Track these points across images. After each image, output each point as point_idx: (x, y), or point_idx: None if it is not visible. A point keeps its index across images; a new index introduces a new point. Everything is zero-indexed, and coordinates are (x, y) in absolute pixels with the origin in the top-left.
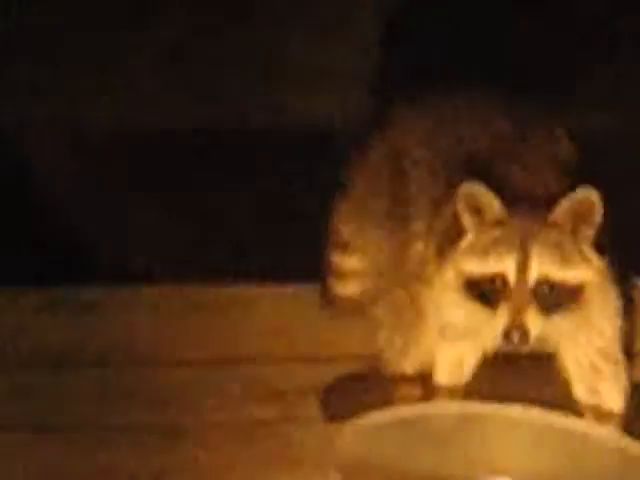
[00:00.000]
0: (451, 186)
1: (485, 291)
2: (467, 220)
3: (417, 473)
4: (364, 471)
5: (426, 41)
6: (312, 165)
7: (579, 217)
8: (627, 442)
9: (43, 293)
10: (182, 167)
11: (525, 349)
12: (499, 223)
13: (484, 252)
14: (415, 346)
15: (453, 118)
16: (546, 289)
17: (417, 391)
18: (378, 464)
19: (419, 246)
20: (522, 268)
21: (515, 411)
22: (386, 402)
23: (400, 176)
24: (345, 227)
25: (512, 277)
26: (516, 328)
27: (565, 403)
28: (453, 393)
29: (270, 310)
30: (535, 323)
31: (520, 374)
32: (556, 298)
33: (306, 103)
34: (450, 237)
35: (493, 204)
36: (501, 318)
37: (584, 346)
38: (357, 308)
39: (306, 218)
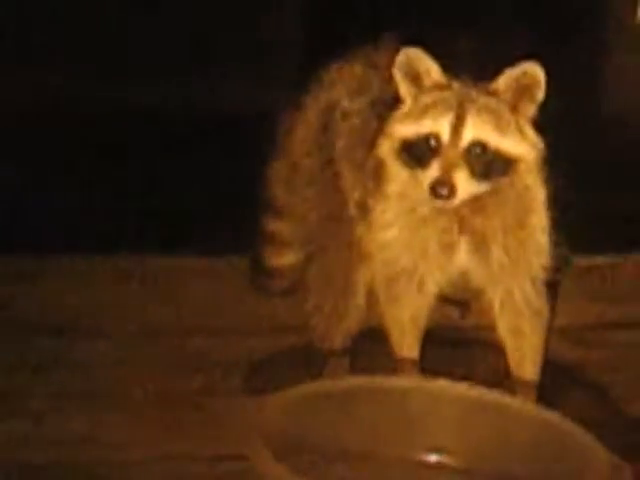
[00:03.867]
0: (382, 128)
1: (418, 154)
2: (404, 88)
3: (344, 448)
4: (289, 445)
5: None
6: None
7: (521, 91)
8: (545, 413)
9: None
10: (118, 140)
11: (450, 206)
12: (437, 87)
13: (420, 115)
14: (345, 317)
15: (381, 62)
16: (479, 151)
17: (345, 365)
18: (303, 438)
19: (354, 196)
20: (456, 129)
21: (440, 386)
22: (313, 376)
23: (331, 131)
24: (278, 191)
25: (445, 137)
26: (444, 182)
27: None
28: (412, 367)
29: (200, 282)
30: (463, 182)
31: (452, 354)
32: (488, 164)
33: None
34: (378, 172)
35: (432, 69)
36: (430, 174)
37: (516, 278)
38: (293, 280)
39: (240, 189)
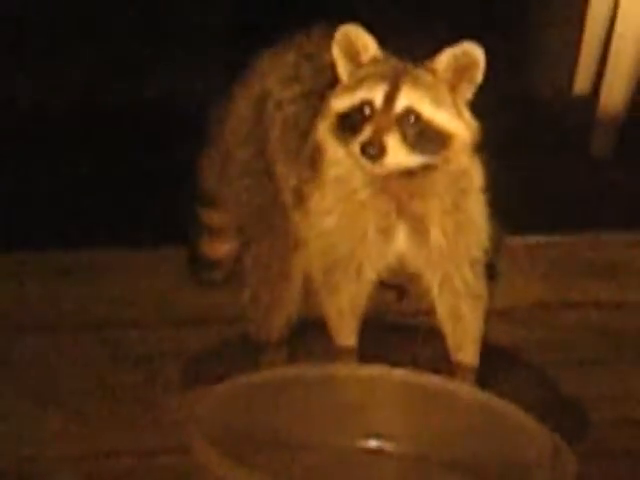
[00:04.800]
0: (318, 116)
1: (354, 123)
2: (341, 62)
3: (284, 437)
4: (229, 435)
5: None
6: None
7: (460, 71)
8: (486, 396)
9: None
10: (39, 135)
11: (380, 169)
12: (374, 63)
13: (355, 87)
14: (282, 306)
15: (315, 51)
16: (412, 120)
17: (283, 355)
18: (243, 429)
19: (290, 183)
20: (390, 96)
21: (379, 373)
22: (252, 368)
23: (264, 120)
24: (211, 180)
25: (379, 103)
26: (373, 142)
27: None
28: (351, 355)
29: (136, 275)
30: (394, 145)
31: (391, 339)
32: (420, 134)
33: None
34: (316, 160)
35: (370, 45)
36: (361, 137)
37: (454, 261)
38: (228, 270)
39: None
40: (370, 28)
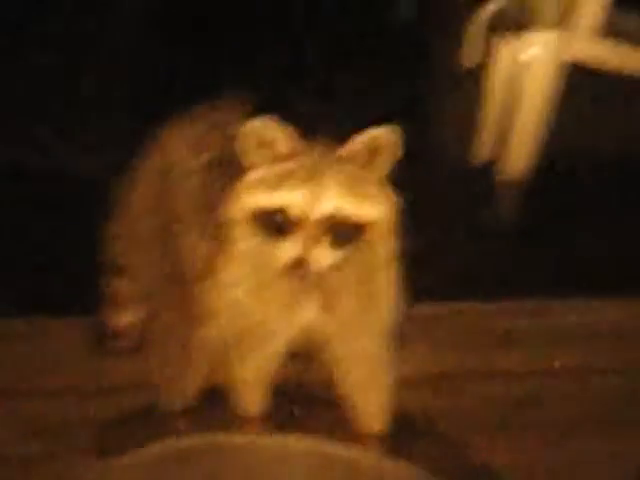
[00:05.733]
0: (226, 186)
1: (272, 223)
2: (253, 156)
3: None
4: None
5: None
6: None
7: (372, 153)
8: (395, 464)
9: None
10: None
11: (308, 282)
12: (290, 155)
13: (273, 185)
14: (187, 376)
15: (222, 120)
16: (336, 224)
17: (190, 424)
18: None
19: (195, 254)
20: (312, 202)
21: (286, 441)
22: (157, 436)
23: (169, 192)
24: (118, 248)
25: (301, 210)
26: (303, 261)
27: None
28: (256, 424)
29: (37, 343)
30: (322, 258)
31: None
32: (345, 233)
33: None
34: (224, 232)
35: (283, 136)
36: (288, 250)
37: (364, 332)
38: (135, 339)
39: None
40: (285, 115)
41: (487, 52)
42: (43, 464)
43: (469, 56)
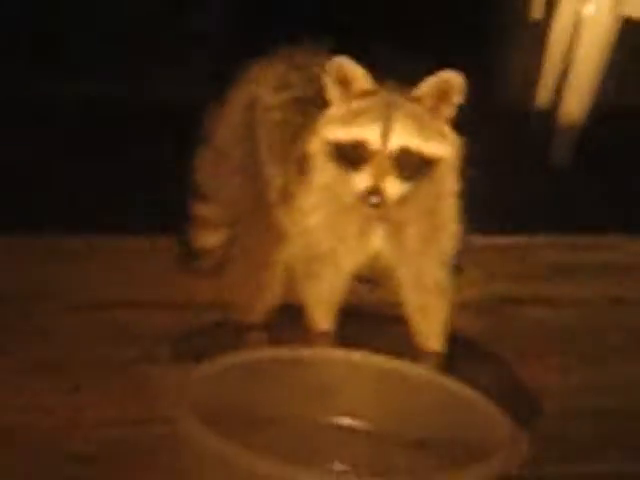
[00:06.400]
0: (306, 122)
1: (348, 156)
2: (333, 91)
3: (264, 414)
4: (214, 410)
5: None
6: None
7: (441, 96)
8: (447, 380)
9: None
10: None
11: (379, 210)
12: (365, 94)
13: (349, 120)
14: (264, 293)
15: (303, 63)
16: (405, 157)
17: (265, 337)
18: (227, 404)
19: (276, 183)
20: (384, 136)
21: (354, 356)
22: (236, 348)
23: (254, 124)
24: (204, 176)
25: (375, 144)
26: (376, 190)
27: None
28: (327, 339)
29: (135, 260)
30: (393, 188)
31: (365, 327)
32: (413, 167)
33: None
34: (303, 164)
35: (360, 76)
36: (362, 180)
37: (426, 261)
38: (218, 260)
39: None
40: (360, 59)
41: (551, 6)
42: (134, 368)
43: (535, 9)
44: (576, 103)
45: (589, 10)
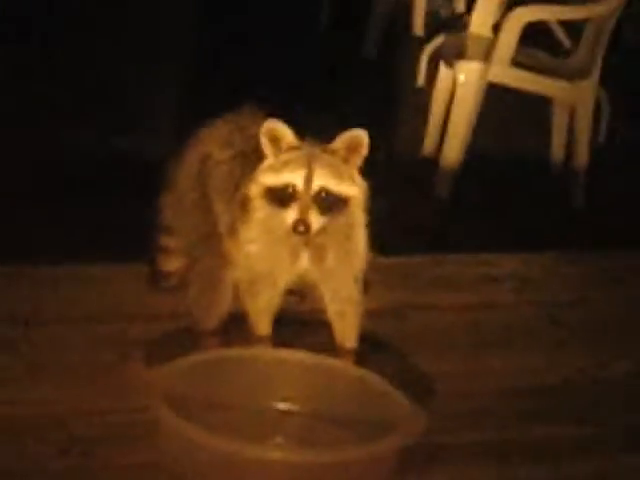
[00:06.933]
0: (246, 171)
1: (280, 196)
2: (267, 147)
3: (219, 401)
4: (180, 399)
5: None
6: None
7: (351, 149)
8: (360, 371)
9: None
10: None
11: (306, 237)
12: (292, 148)
13: (280, 169)
14: (218, 302)
15: (243, 125)
16: (324, 195)
17: (218, 341)
18: (191, 394)
19: (224, 220)
20: (307, 180)
21: (285, 353)
22: (195, 350)
23: (206, 174)
24: (168, 214)
25: (300, 186)
26: (302, 222)
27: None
28: (266, 341)
29: (111, 282)
30: (315, 220)
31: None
32: (330, 204)
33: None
34: (245, 204)
35: (287, 134)
36: (291, 215)
37: (342, 277)
38: (179, 280)
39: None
40: (288, 121)
41: (432, 77)
42: (107, 371)
43: (420, 79)
44: (453, 150)
45: (461, 78)
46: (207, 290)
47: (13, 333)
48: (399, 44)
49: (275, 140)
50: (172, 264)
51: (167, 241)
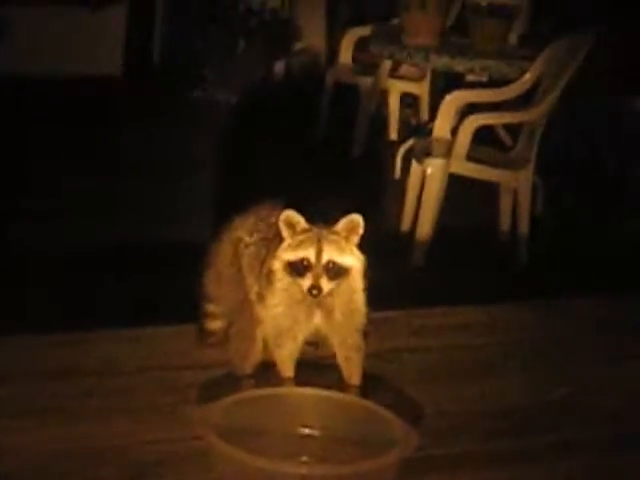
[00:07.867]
0: (270, 251)
1: (297, 268)
2: (285, 231)
3: (256, 429)
4: (227, 429)
5: None
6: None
7: (350, 229)
8: (364, 402)
9: None
10: None
11: (318, 298)
12: (304, 231)
13: (296, 247)
14: (252, 353)
15: (266, 215)
16: (331, 266)
17: (252, 383)
18: (235, 426)
19: (254, 289)
20: (318, 255)
21: (307, 391)
22: (235, 391)
23: (239, 254)
24: (210, 286)
25: (312, 260)
26: (315, 287)
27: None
28: (290, 382)
29: (162, 342)
30: (325, 285)
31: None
32: (337, 272)
33: None
34: (270, 276)
35: (300, 221)
36: (307, 282)
37: (347, 330)
38: (221, 337)
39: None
40: (300, 210)
41: (407, 169)
42: (174, 408)
43: (397, 172)
44: (426, 226)
45: (429, 171)
46: (243, 344)
47: (87, 385)
48: (380, 146)
49: (291, 225)
50: (215, 325)
51: (210, 307)
